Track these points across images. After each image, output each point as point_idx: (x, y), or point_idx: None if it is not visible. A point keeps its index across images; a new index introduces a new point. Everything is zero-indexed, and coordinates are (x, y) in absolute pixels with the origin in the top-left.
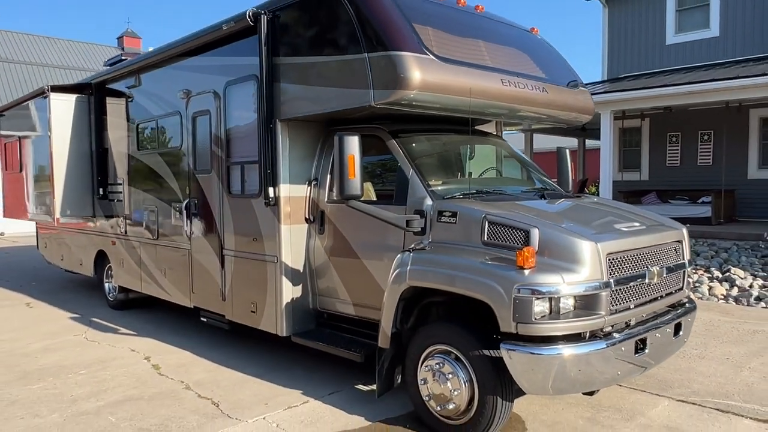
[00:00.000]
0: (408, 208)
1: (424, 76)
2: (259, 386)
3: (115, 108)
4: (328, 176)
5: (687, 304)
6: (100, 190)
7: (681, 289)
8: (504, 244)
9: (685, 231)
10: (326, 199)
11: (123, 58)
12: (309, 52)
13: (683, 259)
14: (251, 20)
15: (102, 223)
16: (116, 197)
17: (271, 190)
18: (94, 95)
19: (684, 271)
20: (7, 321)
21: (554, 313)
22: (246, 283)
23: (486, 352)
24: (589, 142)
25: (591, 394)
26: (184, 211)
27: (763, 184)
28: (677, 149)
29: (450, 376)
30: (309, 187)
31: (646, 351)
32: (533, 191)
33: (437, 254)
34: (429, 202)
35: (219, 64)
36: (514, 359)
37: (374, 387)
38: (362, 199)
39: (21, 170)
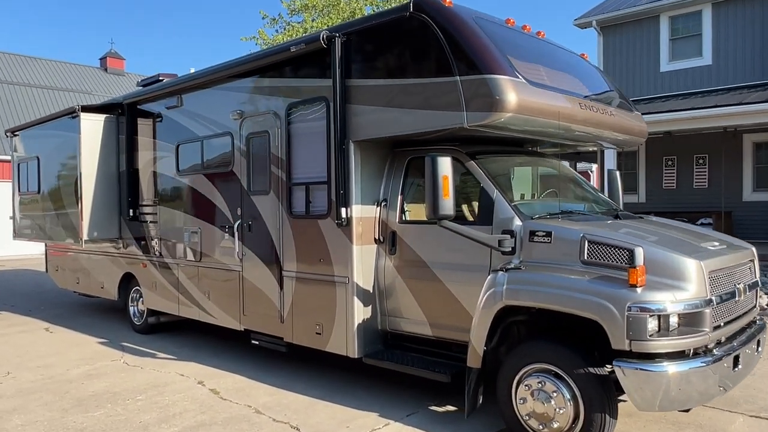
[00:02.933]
0: (494, 228)
1: (519, 99)
2: (331, 409)
3: (149, 128)
4: (399, 197)
5: (758, 322)
6: (131, 211)
7: (754, 306)
8: (607, 263)
9: (754, 250)
10: (398, 220)
11: (160, 78)
12: (387, 75)
13: (756, 277)
14: (324, 43)
15: (130, 245)
16: (149, 218)
17: (343, 210)
18: (126, 115)
19: (756, 290)
20: (34, 346)
21: (664, 330)
22: (310, 305)
23: (593, 370)
24: (579, 166)
25: (686, 411)
26: (236, 233)
27: (758, 206)
28: (673, 172)
29: (554, 394)
30: (378, 208)
31: (740, 367)
32: (605, 211)
33: (534, 274)
34: (518, 222)
35: (279, 86)
36: (628, 376)
37: (449, 408)
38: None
39: (39, 191)
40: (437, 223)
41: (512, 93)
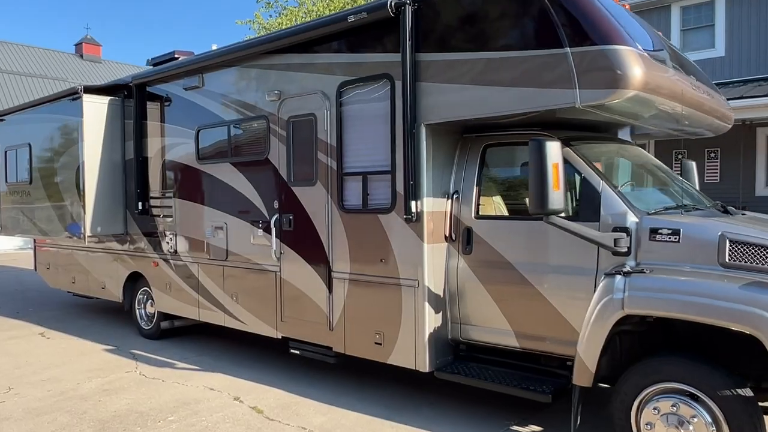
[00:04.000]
0: (601, 224)
1: (645, 75)
2: (400, 431)
3: (162, 112)
4: (474, 189)
5: None
6: (140, 204)
7: None
8: (757, 267)
9: None
10: (473, 215)
11: (176, 56)
12: (471, 48)
13: None
14: (392, 11)
15: (138, 241)
16: (162, 212)
17: (413, 204)
18: (134, 97)
19: None
20: (32, 355)
21: None
22: (368, 311)
23: (740, 391)
24: None
25: None
26: (273, 229)
27: None
28: None
29: (693, 420)
30: (449, 201)
31: None
32: (711, 205)
33: (662, 278)
34: (633, 218)
35: (330, 62)
36: None
37: (534, 427)
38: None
39: (30, 181)
40: (544, 219)
41: (637, 67)
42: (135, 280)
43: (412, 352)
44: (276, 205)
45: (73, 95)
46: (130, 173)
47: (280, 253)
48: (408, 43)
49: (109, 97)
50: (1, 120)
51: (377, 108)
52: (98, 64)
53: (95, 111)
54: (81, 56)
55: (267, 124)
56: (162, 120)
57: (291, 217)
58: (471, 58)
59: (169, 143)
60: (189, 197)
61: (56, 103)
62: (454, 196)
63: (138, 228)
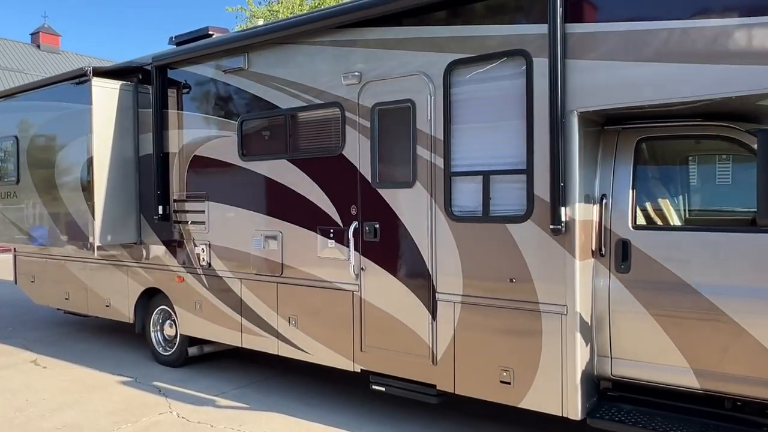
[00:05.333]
0: None
1: None
2: None
3: (191, 99)
4: (630, 192)
5: None
6: (160, 208)
7: None
8: None
9: None
10: (631, 224)
11: (210, 33)
12: (650, 14)
13: None
14: None
15: (156, 252)
16: (189, 218)
17: (562, 211)
18: (154, 82)
19: None
20: (33, 391)
21: None
22: (490, 342)
23: None
24: None
25: None
26: (350, 239)
27: None
28: None
29: None
30: (596, 208)
31: None
32: None
33: None
34: None
35: (435, 36)
36: None
37: None
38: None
39: (17, 181)
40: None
41: None
42: (149, 297)
43: (557, 395)
44: (354, 210)
45: (81, 78)
46: (146, 172)
47: (361, 268)
48: (559, 10)
49: (120, 82)
50: None
51: (505, 92)
52: (57, 54)
53: (105, 97)
54: (38, 46)
55: (341, 113)
56: (190, 109)
57: (376, 226)
58: (652, 27)
59: (200, 136)
60: (228, 200)
61: (54, 88)
62: (602, 201)
63: (156, 236)
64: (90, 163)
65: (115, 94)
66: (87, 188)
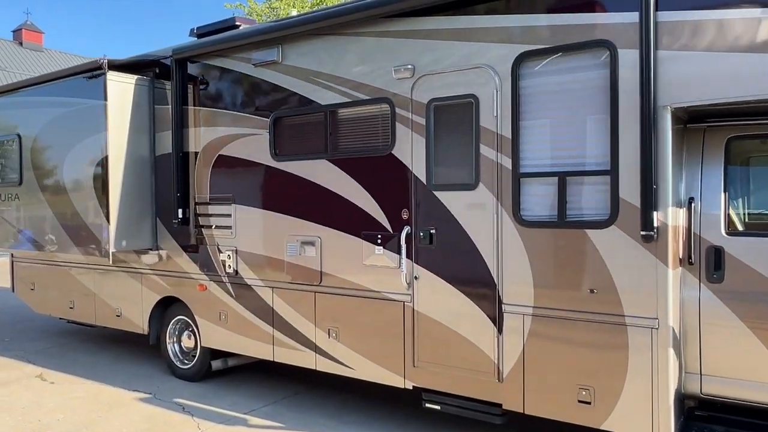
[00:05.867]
0: None
1: None
2: None
3: (214, 94)
4: (721, 195)
5: None
6: (180, 212)
7: None
8: None
9: None
10: (724, 230)
11: (237, 24)
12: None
13: None
14: None
15: (174, 258)
16: (214, 222)
17: (654, 216)
18: (174, 76)
19: None
20: (44, 410)
21: None
22: (567, 358)
23: None
24: None
25: None
26: (402, 246)
27: None
28: None
29: None
30: (684, 212)
31: None
32: None
33: None
34: None
35: (502, 26)
36: None
37: None
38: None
39: (20, 182)
40: None
41: None
42: (165, 307)
43: (646, 416)
44: (405, 214)
45: (95, 71)
46: (163, 173)
47: (414, 277)
48: None
49: (135, 76)
50: None
51: (585, 85)
52: (40, 52)
53: (120, 93)
54: (20, 44)
55: (391, 110)
56: (214, 105)
57: (432, 231)
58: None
59: (226, 135)
60: (258, 203)
61: (62, 83)
62: (689, 205)
63: (175, 241)
64: (104, 163)
65: (130, 89)
66: (101, 190)
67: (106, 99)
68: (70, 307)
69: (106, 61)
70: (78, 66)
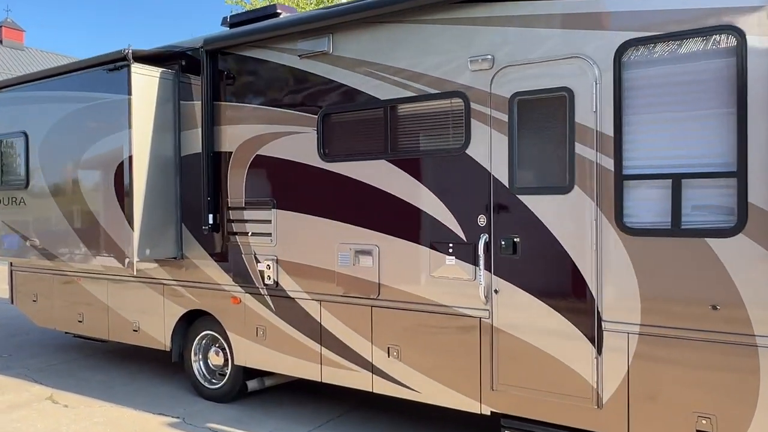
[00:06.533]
0: None
1: None
2: None
3: (251, 88)
4: None
5: None
6: (211, 217)
7: None
8: None
9: None
10: None
11: (278, 12)
12: None
13: None
14: None
15: (203, 267)
16: (250, 229)
17: None
18: (205, 69)
19: None
20: None
21: None
22: (681, 383)
23: None
24: None
25: None
26: (480, 255)
27: None
28: None
29: None
30: None
31: None
32: None
33: None
34: None
35: (600, 12)
36: None
37: None
38: None
39: (26, 185)
40: None
41: None
42: (190, 321)
43: None
44: (482, 221)
45: (117, 63)
46: (189, 175)
47: (494, 290)
48: None
49: (160, 69)
50: None
51: (706, 77)
52: (20, 51)
53: (145, 87)
54: (0, 42)
55: (465, 105)
56: (251, 100)
57: (516, 239)
58: None
59: (265, 133)
60: (303, 208)
61: (77, 76)
62: None
63: (203, 250)
64: (128, 164)
65: (155, 83)
66: (123, 194)
67: (130, 93)
68: (79, 321)
69: (130, 51)
70: (98, 57)
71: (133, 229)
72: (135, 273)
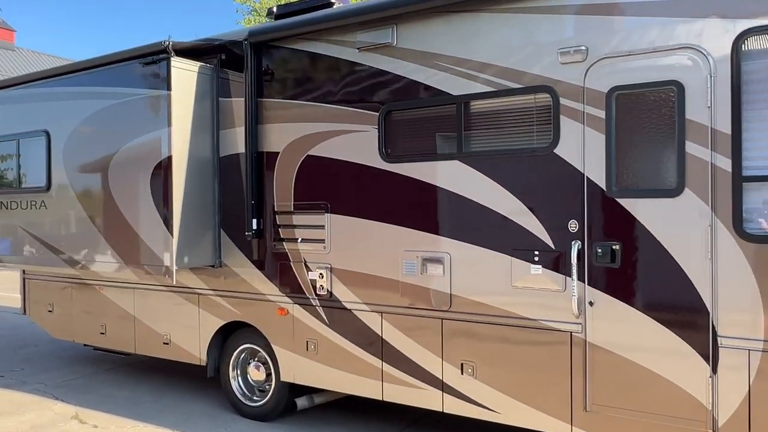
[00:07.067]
0: None
1: None
2: None
3: (300, 84)
4: None
5: None
6: (254, 222)
7: None
8: None
9: None
10: None
11: (331, 1)
12: None
13: None
14: None
15: (245, 276)
16: (299, 235)
17: None
18: (249, 63)
19: None
20: None
21: None
22: None
23: None
24: None
25: None
26: (572, 264)
27: None
28: None
29: None
30: None
31: None
32: None
33: None
34: None
35: None
36: None
37: None
38: None
39: (48, 187)
40: None
41: None
42: (228, 334)
43: None
44: (574, 226)
45: (156, 56)
46: (228, 177)
47: (588, 302)
48: None
49: (198, 63)
50: None
51: None
52: (11, 51)
53: (183, 82)
54: None
55: (554, 100)
56: (300, 97)
57: (615, 247)
58: None
59: (318, 132)
60: (362, 213)
61: (109, 70)
62: None
63: (245, 257)
64: (166, 165)
65: (193, 78)
66: (161, 197)
67: (170, 88)
68: (101, 333)
69: (170, 42)
70: (133, 49)
71: (172, 234)
72: (174, 282)
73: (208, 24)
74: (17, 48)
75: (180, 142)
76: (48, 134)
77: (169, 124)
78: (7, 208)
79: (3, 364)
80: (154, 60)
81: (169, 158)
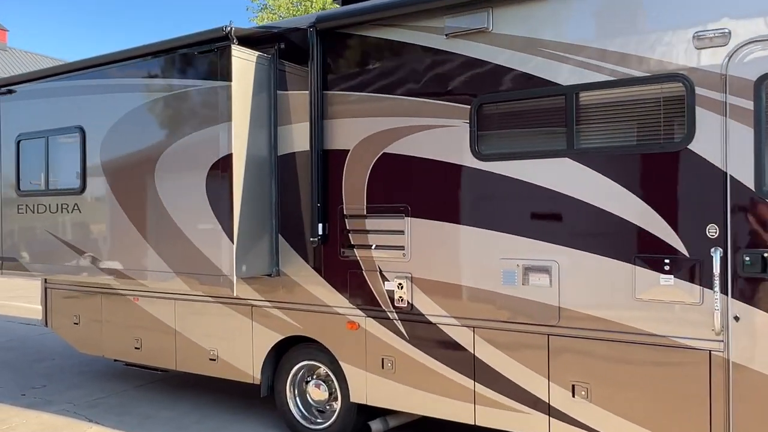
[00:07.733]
0: None
1: None
2: None
3: (375, 75)
4: None
5: None
6: (321, 227)
7: None
8: None
9: None
10: None
11: None
12: None
13: None
14: None
15: (306, 285)
16: (371, 240)
17: None
18: (315, 53)
19: None
20: None
21: None
22: None
23: None
24: None
25: None
26: (714, 275)
27: None
28: None
29: None
30: None
31: None
32: None
33: None
34: None
35: None
36: None
37: None
38: None
39: (82, 189)
40: None
41: None
42: (284, 349)
43: None
44: (713, 231)
45: (216, 43)
46: (287, 177)
47: (734, 317)
48: None
49: (257, 53)
50: (10, 92)
51: None
52: (4, 51)
53: (243, 72)
54: None
55: (687, 90)
56: (375, 89)
57: (767, 255)
58: None
59: (395, 127)
60: (447, 216)
61: (157, 60)
62: None
63: (308, 265)
64: (225, 164)
65: (251, 69)
66: (220, 200)
67: (230, 79)
68: (136, 347)
69: (232, 28)
70: (187, 36)
71: (232, 241)
72: (234, 293)
73: (207, 24)
74: (9, 48)
75: (240, 138)
76: (83, 131)
77: (230, 119)
78: (33, 212)
79: (21, 381)
80: (213, 48)
81: (230, 156)
